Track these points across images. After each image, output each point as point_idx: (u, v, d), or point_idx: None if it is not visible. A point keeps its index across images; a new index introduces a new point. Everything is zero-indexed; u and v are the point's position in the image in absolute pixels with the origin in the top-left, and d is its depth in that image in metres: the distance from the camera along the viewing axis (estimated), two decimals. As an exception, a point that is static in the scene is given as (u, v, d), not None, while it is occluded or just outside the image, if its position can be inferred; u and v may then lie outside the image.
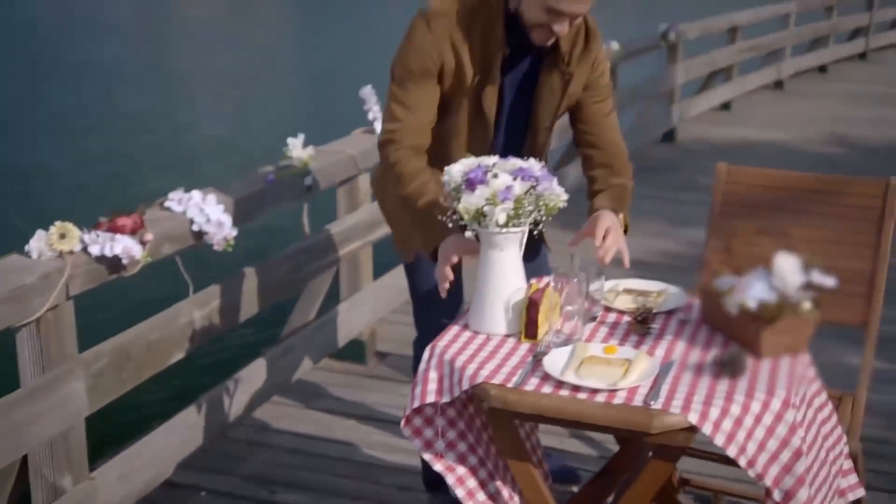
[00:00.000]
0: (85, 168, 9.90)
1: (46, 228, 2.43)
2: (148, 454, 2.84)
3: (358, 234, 3.78)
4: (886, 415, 3.46)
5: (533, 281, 2.27)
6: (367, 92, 3.75)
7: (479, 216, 2.05)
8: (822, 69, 12.09)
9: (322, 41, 19.93)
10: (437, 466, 2.16)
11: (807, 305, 1.95)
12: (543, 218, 2.10)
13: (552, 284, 2.13)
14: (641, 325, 2.15)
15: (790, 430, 1.86)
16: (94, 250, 2.46)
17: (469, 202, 2.04)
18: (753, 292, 1.94)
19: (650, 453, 2.02)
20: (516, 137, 2.47)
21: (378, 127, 3.63)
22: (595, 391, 1.88)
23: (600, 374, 1.92)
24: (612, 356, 2.00)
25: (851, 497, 2.15)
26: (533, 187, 2.06)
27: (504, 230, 2.07)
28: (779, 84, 10.86)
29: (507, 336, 2.14)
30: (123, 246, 2.48)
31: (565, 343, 2.07)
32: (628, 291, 2.36)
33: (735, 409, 1.83)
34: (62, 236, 2.41)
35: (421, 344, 2.57)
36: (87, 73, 16.70)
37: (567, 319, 2.11)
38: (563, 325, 2.11)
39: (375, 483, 3.09)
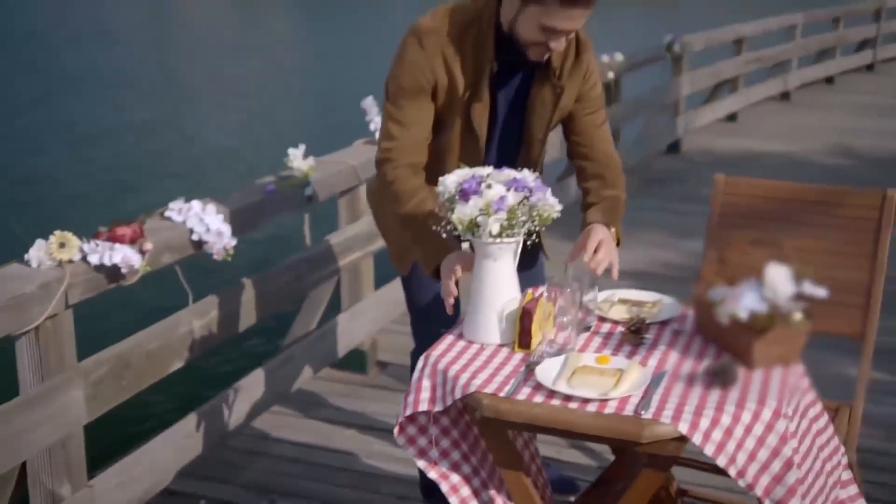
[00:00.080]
0: (90, 177, 9.95)
1: (49, 237, 2.45)
2: (147, 462, 2.85)
3: (359, 244, 3.80)
4: (886, 426, 3.45)
5: (530, 290, 2.28)
6: (369, 103, 3.77)
7: (473, 226, 2.07)
8: (830, 80, 12.10)
9: (330, 50, 20.02)
10: (432, 474, 2.17)
11: (798, 316, 1.96)
12: (537, 228, 2.11)
13: (545, 294, 2.14)
14: (635, 335, 2.16)
15: (781, 439, 1.86)
16: (94, 259, 2.48)
17: (463, 212, 2.06)
18: (744, 303, 1.95)
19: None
20: (511, 151, 2.48)
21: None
22: (586, 401, 1.89)
23: (592, 384, 1.93)
24: (605, 366, 2.00)
25: (851, 508, 2.15)
26: (526, 198, 2.07)
27: (498, 240, 2.08)
28: (785, 95, 10.87)
29: (502, 346, 2.15)
30: (122, 255, 2.50)
31: (558, 353, 2.08)
32: (623, 302, 2.37)
33: (725, 419, 1.83)
34: (62, 245, 2.43)
35: (418, 355, 2.57)
36: (94, 81, 16.79)
37: (561, 329, 2.12)
38: (557, 335, 2.12)
39: (375, 492, 3.10)
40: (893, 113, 10.16)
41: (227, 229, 2.84)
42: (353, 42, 19.86)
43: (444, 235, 2.22)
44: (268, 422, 3.50)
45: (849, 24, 12.41)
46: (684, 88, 8.18)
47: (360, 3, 31.56)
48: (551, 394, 1.92)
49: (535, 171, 2.47)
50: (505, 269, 2.14)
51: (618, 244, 2.41)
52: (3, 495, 2.51)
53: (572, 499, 2.94)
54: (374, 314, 4.03)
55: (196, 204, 2.86)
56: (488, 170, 2.14)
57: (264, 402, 3.43)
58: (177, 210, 2.84)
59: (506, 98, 2.42)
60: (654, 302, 2.36)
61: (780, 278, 1.95)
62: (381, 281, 4.12)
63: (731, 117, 9.65)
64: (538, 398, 1.92)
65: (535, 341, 2.12)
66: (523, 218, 2.07)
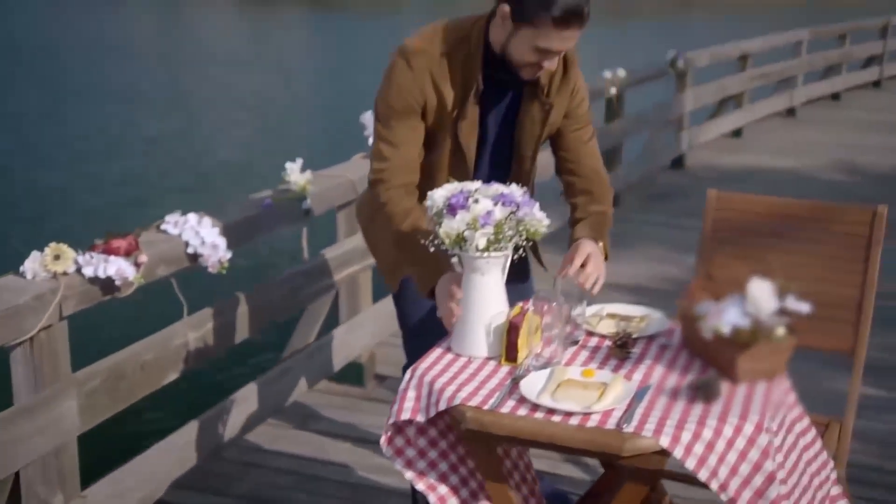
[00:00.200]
0: (98, 191, 10.02)
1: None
2: (141, 473, 2.87)
3: (357, 257, 3.82)
4: (879, 442, 3.45)
5: (521, 304, 2.29)
6: (368, 117, 3.80)
7: (460, 241, 2.08)
8: (836, 97, 12.11)
9: (339, 62, 20.12)
10: (420, 486, 2.18)
11: (781, 331, 1.97)
12: (524, 243, 2.13)
13: (532, 308, 2.16)
14: (621, 349, 2.17)
15: (763, 454, 1.87)
16: (88, 271, 2.51)
17: (450, 227, 2.08)
18: (727, 318, 1.96)
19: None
20: (501, 167, 2.50)
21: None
22: (569, 414, 1.90)
23: (576, 398, 1.95)
24: (589, 380, 2.02)
25: (841, 523, 2.15)
26: (513, 212, 2.09)
27: (485, 255, 2.10)
28: (791, 111, 10.88)
29: (489, 359, 2.17)
30: (117, 267, 2.53)
31: (545, 366, 2.10)
32: (611, 316, 2.38)
33: (707, 434, 1.84)
34: (56, 257, 2.46)
35: (410, 369, 2.60)
36: (104, 94, 16.91)
37: (548, 343, 2.14)
38: (544, 349, 2.14)
39: (368, 505, 3.12)
40: (899, 129, 10.17)
41: (222, 242, 2.87)
42: (363, 55, 19.99)
43: (438, 257, 2.24)
44: (263, 434, 3.52)
45: (855, 40, 12.42)
46: (688, 104, 8.20)
47: (370, 17, 31.73)
48: (535, 407, 1.94)
49: (526, 186, 2.50)
50: (492, 282, 2.16)
51: (605, 258, 2.42)
52: (-3, 505, 2.54)
53: (564, 513, 2.94)
54: (372, 327, 4.05)
55: (192, 217, 2.89)
56: (476, 184, 2.16)
57: (260, 415, 3.45)
58: (173, 223, 2.87)
59: (495, 116, 2.44)
60: (643, 317, 2.37)
61: (762, 293, 1.96)
62: (379, 294, 4.13)
63: (736, 133, 9.67)
64: (522, 411, 1.93)
65: (521, 355, 2.13)
66: (510, 232, 2.09)
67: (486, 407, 1.95)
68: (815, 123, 10.62)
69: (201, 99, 17.30)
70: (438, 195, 2.13)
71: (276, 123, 14.58)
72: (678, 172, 8.24)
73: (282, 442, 3.49)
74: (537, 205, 2.14)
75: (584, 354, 2.21)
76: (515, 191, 2.13)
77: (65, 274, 2.48)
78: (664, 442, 1.81)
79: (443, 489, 2.20)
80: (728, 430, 1.86)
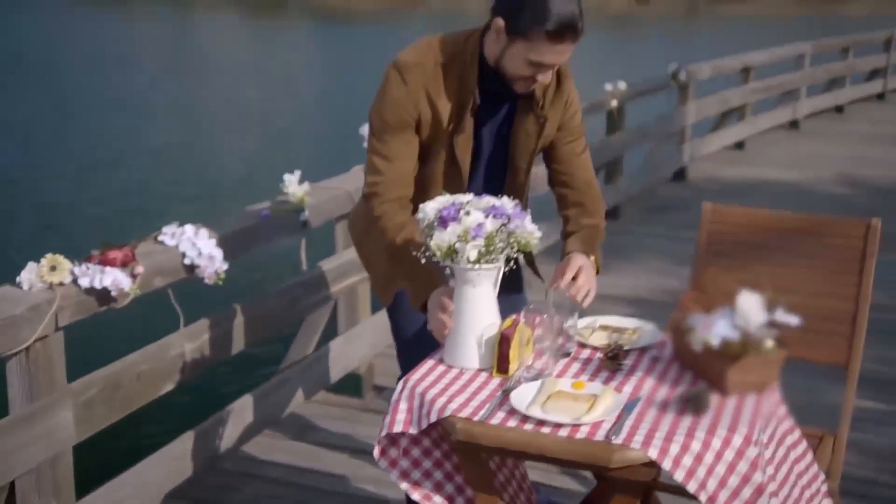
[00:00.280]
0: (104, 202, 10.07)
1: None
2: (136, 484, 2.88)
3: (356, 268, 3.83)
4: (875, 456, 3.45)
5: (512, 316, 2.30)
6: (367, 129, 3.81)
7: (451, 253, 2.10)
8: (839, 109, 12.12)
9: (346, 74, 20.20)
10: (415, 496, 2.19)
11: (770, 343, 1.97)
12: (516, 255, 2.14)
13: (524, 320, 2.17)
14: (612, 361, 2.18)
15: (751, 466, 1.87)
16: (84, 282, 2.53)
17: (441, 239, 2.09)
18: (716, 330, 1.97)
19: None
20: (496, 180, 2.51)
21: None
22: (559, 426, 1.91)
23: (565, 409, 1.95)
24: (580, 391, 2.03)
25: (831, 535, 2.15)
26: (504, 225, 2.10)
27: (476, 266, 2.11)
28: (794, 124, 10.89)
29: (481, 370, 2.17)
30: (113, 278, 2.55)
31: (536, 378, 2.11)
32: (604, 328, 2.39)
33: (695, 446, 1.85)
34: (52, 268, 2.48)
35: (404, 382, 2.60)
36: (111, 106, 16.99)
37: (539, 355, 2.15)
38: (535, 361, 2.15)
39: (364, 516, 3.12)
40: (903, 142, 10.18)
41: (218, 253, 2.89)
42: (368, 66, 20.06)
43: (431, 270, 2.26)
44: (260, 445, 3.52)
45: (859, 53, 12.44)
46: (690, 116, 8.21)
47: (375, 29, 31.84)
48: (525, 418, 1.94)
49: (520, 199, 2.51)
50: (484, 294, 2.16)
51: (597, 272, 2.43)
52: (-8, 514, 2.55)
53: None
54: (370, 338, 4.06)
55: (189, 228, 2.91)
56: (468, 197, 2.17)
57: (257, 425, 3.46)
58: (170, 234, 2.89)
59: (490, 129, 2.45)
60: (635, 329, 2.38)
61: (751, 306, 1.97)
62: (377, 305, 4.13)
63: (739, 145, 9.68)
64: (511, 422, 1.94)
65: (513, 366, 2.14)
66: (501, 245, 2.10)
67: (476, 418, 1.95)
68: (818, 136, 10.63)
69: (206, 110, 17.36)
70: (430, 207, 2.14)
71: (280, 134, 14.63)
72: (680, 185, 8.25)
73: (278, 453, 3.50)
74: (529, 217, 2.15)
75: (576, 366, 2.22)
76: (507, 203, 2.14)
77: (61, 285, 2.49)
78: (652, 454, 1.82)
79: (438, 499, 2.20)
80: (717, 443, 1.86)
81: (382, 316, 4.14)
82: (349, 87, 18.02)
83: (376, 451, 2.18)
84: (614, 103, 6.57)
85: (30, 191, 10.79)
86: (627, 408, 1.98)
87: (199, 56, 27.91)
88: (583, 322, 2.40)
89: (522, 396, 2.01)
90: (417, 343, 2.54)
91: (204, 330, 3.06)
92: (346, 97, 16.98)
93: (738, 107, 9.52)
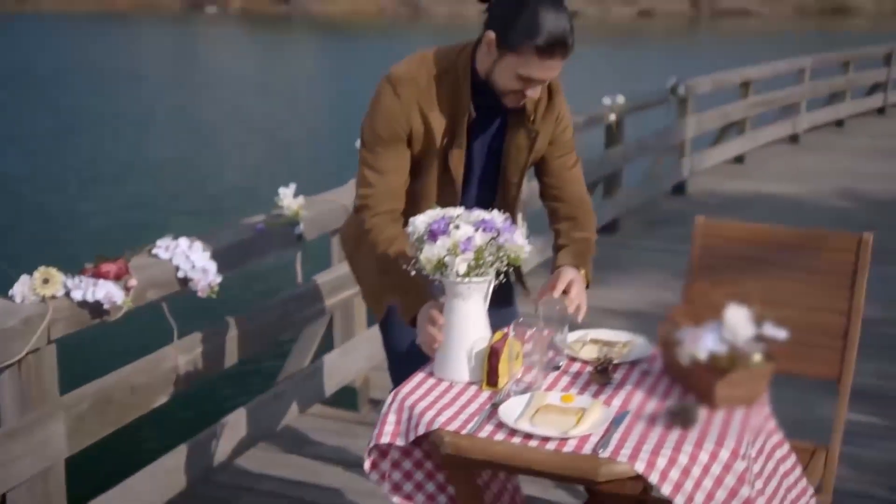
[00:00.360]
0: (107, 215, 10.10)
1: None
2: (129, 497, 2.88)
3: (351, 282, 3.82)
4: (871, 470, 3.44)
5: (502, 329, 2.30)
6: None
7: (441, 266, 2.10)
8: (840, 123, 12.13)
9: (350, 87, 20.25)
10: (407, 508, 2.19)
11: (758, 357, 1.98)
12: (506, 268, 2.14)
13: (513, 333, 2.18)
14: (601, 375, 2.18)
15: (739, 480, 1.87)
16: (77, 295, 2.53)
17: (430, 252, 2.10)
18: (704, 344, 1.97)
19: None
20: (488, 193, 2.52)
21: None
22: (546, 439, 1.91)
23: (553, 423, 1.95)
24: (568, 405, 2.03)
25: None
26: (494, 238, 2.11)
27: (466, 280, 2.11)
28: (794, 138, 10.90)
29: (470, 384, 2.18)
30: (106, 291, 2.55)
31: (525, 391, 2.11)
32: (595, 342, 2.39)
33: (683, 459, 1.85)
34: (45, 281, 2.48)
35: (397, 396, 2.60)
36: (116, 119, 17.05)
37: (529, 368, 2.15)
38: (525, 374, 2.15)
39: (358, 530, 3.12)
40: (902, 156, 10.18)
41: (212, 266, 2.89)
42: (371, 79, 20.05)
43: (421, 284, 2.26)
44: (254, 458, 3.52)
45: (859, 68, 12.46)
46: (690, 130, 8.23)
47: (378, 42, 31.95)
48: (513, 432, 1.94)
49: (512, 212, 2.52)
50: (474, 308, 2.17)
51: (588, 285, 2.43)
52: (-17, 527, 2.55)
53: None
54: (366, 352, 4.06)
55: (183, 241, 2.91)
56: (458, 210, 2.18)
57: (251, 439, 3.45)
58: (164, 247, 2.90)
59: (482, 143, 2.46)
60: (626, 342, 2.38)
61: (739, 320, 1.97)
62: (373, 319, 4.14)
63: (739, 159, 9.69)
64: (499, 436, 1.94)
65: (502, 380, 2.14)
66: (491, 258, 2.11)
67: (464, 432, 1.95)
68: (818, 150, 10.64)
69: (209, 123, 17.43)
70: (420, 221, 2.15)
71: (283, 147, 14.67)
72: (679, 198, 8.25)
73: (273, 466, 3.50)
74: (519, 231, 2.16)
75: (566, 380, 2.22)
76: (497, 217, 2.15)
77: (54, 297, 2.50)
78: (639, 467, 1.82)
79: (430, 510, 2.20)
80: (704, 456, 1.86)
81: (378, 329, 4.14)
82: (351, 100, 18.08)
83: (367, 464, 2.18)
84: (613, 117, 6.59)
85: (32, 203, 10.83)
86: (616, 421, 1.98)
87: (203, 70, 27.99)
88: (573, 335, 2.40)
89: (511, 410, 2.01)
90: (409, 357, 2.54)
91: (198, 343, 3.06)
92: (349, 109, 17.03)
93: (738, 121, 9.54)
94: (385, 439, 2.08)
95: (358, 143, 3.80)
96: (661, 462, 1.83)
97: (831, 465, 2.56)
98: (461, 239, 2.09)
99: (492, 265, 2.12)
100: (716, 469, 1.87)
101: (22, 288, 2.48)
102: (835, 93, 12.01)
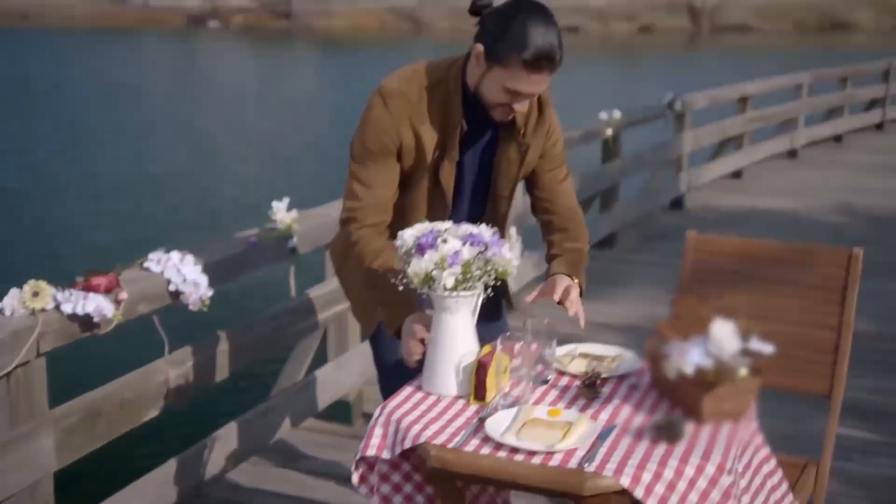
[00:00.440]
0: (107, 229, 10.12)
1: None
2: (119, 511, 2.88)
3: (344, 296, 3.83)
4: (867, 486, 3.43)
5: (491, 343, 2.30)
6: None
7: (429, 280, 2.11)
8: (838, 139, 12.15)
9: (352, 101, 20.32)
10: (396, 521, 2.19)
11: (743, 371, 1.98)
12: (493, 282, 2.15)
13: (501, 347, 2.18)
14: (589, 389, 2.18)
15: (725, 495, 1.87)
16: (67, 308, 2.53)
17: (418, 266, 2.10)
18: (690, 358, 1.97)
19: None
20: (479, 207, 2.53)
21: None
22: (532, 453, 1.91)
23: (540, 437, 1.95)
24: (555, 419, 2.03)
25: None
26: (482, 252, 2.11)
27: (454, 294, 2.12)
28: (792, 153, 10.92)
29: (458, 397, 2.18)
30: (95, 305, 2.55)
31: (512, 405, 2.11)
32: (584, 356, 2.39)
33: (668, 474, 1.85)
34: (35, 294, 2.48)
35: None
36: (118, 134, 17.10)
37: (517, 382, 2.15)
38: (512, 388, 2.15)
39: (349, 544, 3.10)
40: (900, 172, 10.19)
41: (203, 280, 2.89)
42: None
43: (407, 297, 2.26)
44: (246, 472, 3.52)
45: (857, 83, 12.50)
46: (687, 145, 8.25)
47: (379, 56, 32.06)
48: (499, 446, 1.94)
49: (502, 225, 2.53)
50: (462, 322, 2.17)
51: (581, 293, 2.43)
52: (-29, 541, 2.54)
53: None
54: (360, 365, 4.06)
55: (175, 255, 2.92)
56: (446, 224, 2.18)
57: (243, 453, 3.45)
58: (156, 260, 2.90)
59: (472, 156, 2.47)
60: (615, 356, 2.38)
61: (725, 334, 1.97)
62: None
63: (737, 174, 9.71)
64: (485, 450, 1.94)
65: (490, 394, 2.14)
66: (478, 272, 2.11)
67: (450, 445, 1.95)
68: (816, 165, 10.65)
69: (212, 137, 17.47)
70: (408, 235, 2.16)
71: (285, 162, 14.70)
72: (677, 213, 8.26)
73: (265, 480, 3.49)
74: (506, 245, 2.16)
75: (554, 393, 2.22)
76: (484, 231, 2.16)
77: (43, 311, 2.50)
78: (624, 481, 1.82)
79: (419, 523, 2.20)
80: (690, 471, 1.86)
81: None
82: (352, 114, 18.10)
83: (355, 477, 2.18)
84: (609, 132, 6.61)
85: (32, 217, 10.85)
86: (602, 436, 1.98)
87: (204, 84, 28.08)
88: (563, 350, 2.40)
89: (497, 424, 2.01)
90: (399, 371, 2.54)
91: (189, 356, 3.06)
92: (349, 124, 17.04)
93: (735, 136, 9.56)
94: (371, 451, 2.08)
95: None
96: (647, 476, 1.83)
97: (822, 480, 2.56)
98: (449, 253, 2.09)
99: (479, 279, 2.12)
100: (701, 483, 1.86)
101: (11, 301, 2.48)
102: (833, 108, 12.04)
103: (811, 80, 10.93)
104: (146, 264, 2.91)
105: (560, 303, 2.36)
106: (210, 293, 2.91)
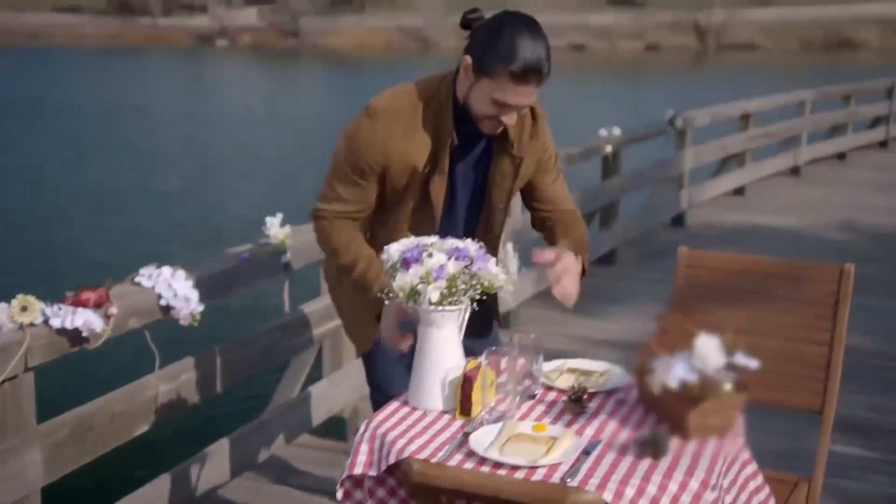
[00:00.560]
0: (111, 246, 10.14)
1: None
2: (109, 526, 2.87)
3: (340, 312, 3.83)
4: (862, 503, 3.40)
5: (473, 357, 2.29)
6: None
7: (414, 294, 2.10)
8: (842, 156, 12.14)
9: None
10: (382, 537, 2.18)
11: (728, 386, 1.96)
12: (479, 296, 2.14)
13: (487, 362, 2.17)
14: (575, 404, 2.17)
15: (709, 511, 1.85)
16: (55, 323, 2.53)
17: (403, 280, 2.10)
18: (675, 372, 1.96)
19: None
20: (472, 220, 2.53)
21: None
22: (516, 468, 1.90)
23: (524, 452, 1.94)
24: (540, 434, 2.02)
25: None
26: (467, 267, 2.11)
27: (439, 308, 2.11)
28: (795, 170, 10.91)
29: (444, 412, 2.17)
30: (84, 319, 2.55)
31: (498, 420, 2.10)
32: (572, 371, 2.38)
33: (651, 489, 1.83)
34: (23, 309, 2.49)
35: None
36: (124, 151, 17.17)
37: (503, 397, 2.14)
38: (498, 403, 2.14)
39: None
40: (904, 189, 10.17)
41: (194, 295, 2.89)
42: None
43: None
44: (239, 488, 3.50)
45: (861, 101, 12.49)
46: (688, 162, 8.25)
47: (386, 73, 32.19)
48: (482, 460, 1.93)
49: (497, 238, 2.53)
50: (448, 336, 2.16)
51: (584, 273, 2.40)
52: (-42, 556, 2.53)
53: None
54: (355, 381, 4.05)
55: (166, 270, 2.92)
56: (432, 239, 2.18)
57: (236, 468, 3.43)
58: (147, 275, 2.90)
59: (465, 169, 2.46)
60: (602, 372, 2.37)
61: (709, 349, 1.96)
62: (362, 349, 4.13)
63: (739, 191, 9.70)
64: (469, 464, 1.93)
65: (476, 409, 2.13)
66: (464, 286, 2.11)
67: (434, 460, 1.94)
68: (819, 182, 10.64)
69: (218, 155, 17.53)
70: (394, 249, 2.16)
71: (291, 179, 14.73)
72: (678, 230, 8.25)
73: (258, 496, 3.48)
74: (493, 260, 2.16)
75: (540, 408, 2.21)
76: (470, 245, 2.15)
77: (32, 325, 2.50)
78: (607, 497, 1.80)
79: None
80: (673, 486, 1.85)
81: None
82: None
83: (339, 494, 2.17)
84: (609, 149, 6.61)
85: (38, 234, 10.89)
86: (587, 450, 1.97)
87: (212, 102, 28.20)
88: (551, 365, 2.39)
89: (482, 438, 2.00)
90: (390, 387, 2.54)
91: (180, 371, 3.06)
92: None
93: (737, 153, 9.56)
94: (358, 469, 2.07)
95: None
96: (630, 492, 1.82)
97: (813, 497, 2.54)
98: (434, 267, 2.09)
99: (465, 293, 2.12)
100: (685, 499, 1.85)
101: (0, 316, 2.48)
102: (836, 126, 12.04)
103: (814, 97, 10.93)
104: (137, 279, 2.91)
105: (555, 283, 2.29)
106: (201, 308, 2.91)
